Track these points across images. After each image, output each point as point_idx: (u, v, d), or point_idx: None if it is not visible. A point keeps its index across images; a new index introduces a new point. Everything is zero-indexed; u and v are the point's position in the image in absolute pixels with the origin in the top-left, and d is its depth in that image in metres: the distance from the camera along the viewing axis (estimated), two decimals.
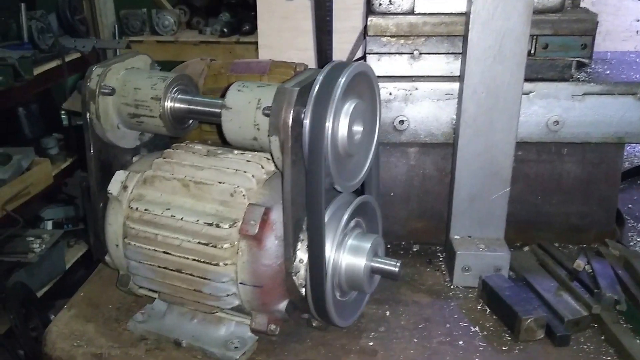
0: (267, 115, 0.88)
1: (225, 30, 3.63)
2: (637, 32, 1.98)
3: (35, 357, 2.51)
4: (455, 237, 1.22)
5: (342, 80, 0.86)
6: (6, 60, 2.62)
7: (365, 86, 0.95)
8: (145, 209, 0.98)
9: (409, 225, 1.34)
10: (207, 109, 0.99)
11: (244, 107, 0.92)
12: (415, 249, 1.33)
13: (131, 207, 1.00)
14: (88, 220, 1.08)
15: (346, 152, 0.91)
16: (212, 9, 3.80)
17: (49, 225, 3.28)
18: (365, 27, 1.22)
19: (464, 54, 1.13)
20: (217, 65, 1.57)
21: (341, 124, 0.89)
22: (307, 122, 0.86)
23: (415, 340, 1.03)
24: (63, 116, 3.46)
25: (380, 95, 1.00)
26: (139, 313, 1.06)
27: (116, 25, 3.67)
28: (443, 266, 1.26)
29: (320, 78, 0.87)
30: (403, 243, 1.34)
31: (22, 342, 2.59)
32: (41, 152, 3.05)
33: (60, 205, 3.38)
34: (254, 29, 3.42)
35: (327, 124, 0.86)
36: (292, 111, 0.85)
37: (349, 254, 0.97)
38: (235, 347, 0.98)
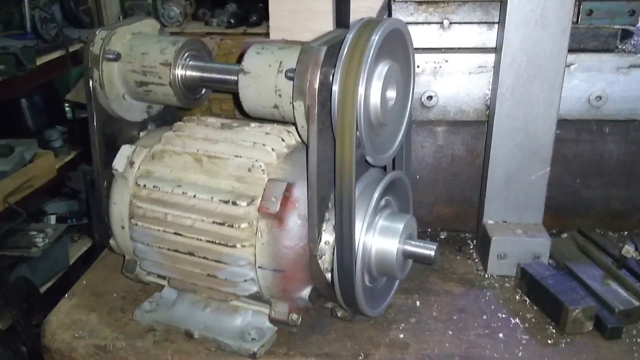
0: (290, 78, 0.79)
1: (232, 21, 3.54)
2: None
3: (38, 353, 2.43)
4: (489, 222, 1.12)
5: (375, 38, 0.76)
6: (8, 49, 2.54)
7: (399, 46, 0.85)
8: (154, 186, 0.89)
9: (436, 210, 1.24)
10: (223, 76, 0.90)
11: (264, 70, 0.82)
12: (443, 237, 1.24)
13: (138, 185, 0.90)
14: (91, 203, 0.99)
15: (379, 121, 0.82)
16: (219, 0, 3.72)
17: (53, 219, 3.19)
18: None
19: (501, 19, 1.03)
20: (228, 45, 1.48)
21: (374, 89, 0.79)
22: (336, 86, 0.77)
23: (450, 332, 0.94)
24: (67, 108, 3.38)
25: (415, 57, 0.90)
26: (147, 302, 0.97)
27: (121, 17, 3.58)
28: (475, 254, 1.17)
29: (350, 36, 0.77)
30: (429, 230, 1.25)
31: (25, 338, 2.51)
32: (44, 145, 2.96)
33: (64, 200, 3.29)
34: (261, 20, 3.33)
35: (359, 89, 0.76)
36: (319, 72, 0.75)
37: (380, 236, 0.87)
38: (253, 339, 0.88)
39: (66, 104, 3.36)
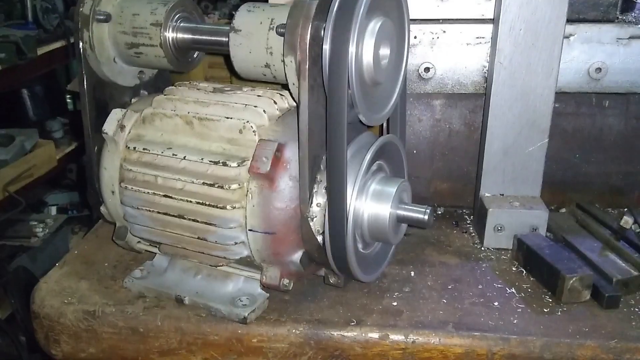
0: (281, 34, 0.78)
1: (233, 13, 3.54)
2: None
3: (37, 343, 2.42)
4: (486, 194, 1.10)
5: None
6: (9, 38, 2.54)
7: (392, 2, 0.84)
8: (144, 149, 0.88)
9: (433, 186, 1.23)
10: (214, 37, 0.88)
11: (255, 28, 0.81)
12: (440, 212, 1.22)
13: (128, 148, 0.89)
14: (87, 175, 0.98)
15: (372, 79, 0.80)
16: None
17: (53, 210, 3.18)
18: None
19: None
20: (224, 22, 1.49)
21: (366, 46, 0.78)
22: (327, 43, 0.76)
23: (445, 301, 0.92)
24: (68, 100, 3.37)
25: (409, 14, 0.89)
26: (138, 269, 0.95)
27: None
28: (471, 229, 1.15)
29: None
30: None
31: (24, 327, 2.50)
32: (45, 136, 2.96)
33: (65, 191, 3.29)
34: None
35: (350, 45, 0.75)
36: (310, 26, 0.74)
37: (372, 200, 0.86)
38: (244, 305, 0.87)
39: (67, 96, 3.36)
